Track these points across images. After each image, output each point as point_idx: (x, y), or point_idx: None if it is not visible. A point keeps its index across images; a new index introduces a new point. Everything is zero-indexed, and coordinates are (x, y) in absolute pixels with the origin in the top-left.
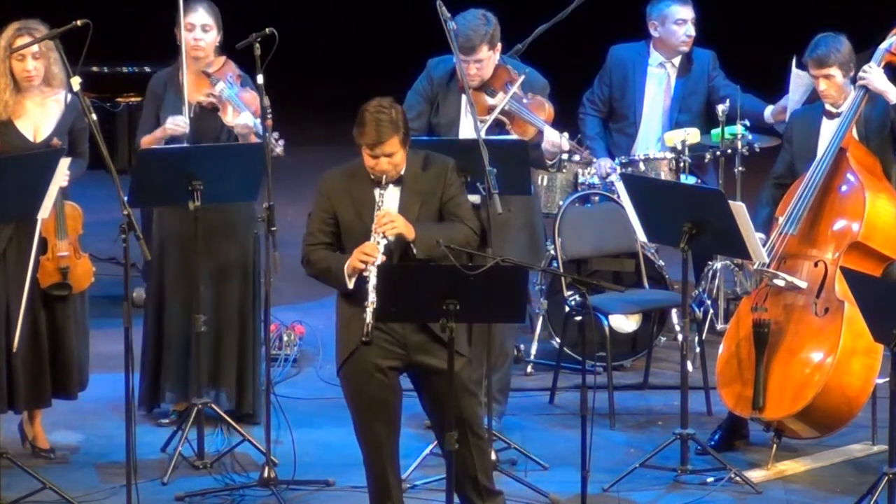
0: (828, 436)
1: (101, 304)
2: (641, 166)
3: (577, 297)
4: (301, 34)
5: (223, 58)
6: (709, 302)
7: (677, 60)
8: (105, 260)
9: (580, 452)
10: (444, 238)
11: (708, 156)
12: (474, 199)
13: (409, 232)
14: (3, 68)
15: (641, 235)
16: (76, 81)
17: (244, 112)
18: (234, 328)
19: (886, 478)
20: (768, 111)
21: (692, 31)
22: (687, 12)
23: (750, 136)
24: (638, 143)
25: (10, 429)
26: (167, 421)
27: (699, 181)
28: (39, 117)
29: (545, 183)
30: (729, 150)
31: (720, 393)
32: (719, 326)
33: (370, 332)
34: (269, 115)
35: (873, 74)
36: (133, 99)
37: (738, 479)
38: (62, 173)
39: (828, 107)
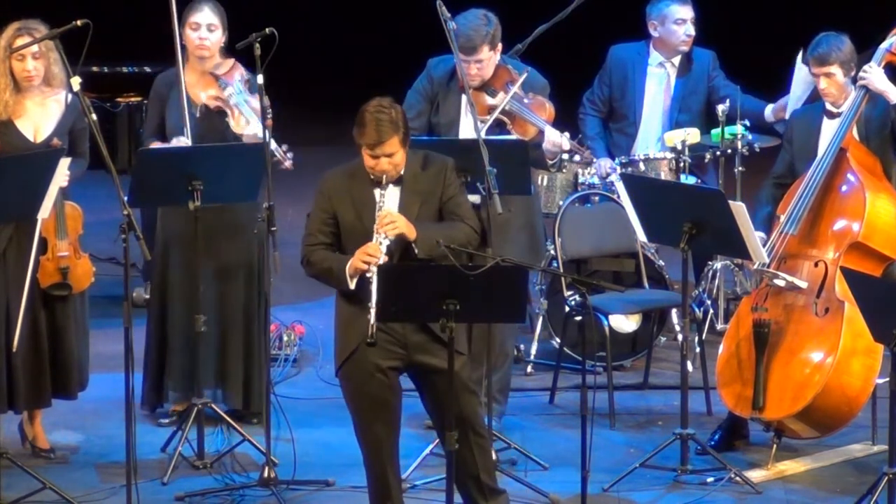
0: (828, 436)
1: (101, 304)
2: (641, 166)
3: (577, 297)
4: (300, 34)
5: (231, 60)
6: (709, 302)
7: (677, 60)
8: (105, 260)
9: (580, 452)
10: (445, 237)
11: (708, 156)
12: (474, 199)
13: (411, 232)
14: (3, 68)
15: (641, 235)
16: (76, 81)
17: (253, 121)
18: (239, 328)
19: (886, 478)
20: (768, 110)
21: (692, 31)
22: (686, 12)
23: (750, 136)
24: (638, 143)
25: (10, 429)
26: (167, 421)
27: (699, 181)
28: (39, 117)
29: (545, 183)
30: (729, 150)
31: (720, 393)
32: (719, 326)
33: (374, 333)
34: (269, 115)
35: (874, 74)
36: (133, 99)
37: (738, 479)
38: (62, 173)
39: (828, 106)
